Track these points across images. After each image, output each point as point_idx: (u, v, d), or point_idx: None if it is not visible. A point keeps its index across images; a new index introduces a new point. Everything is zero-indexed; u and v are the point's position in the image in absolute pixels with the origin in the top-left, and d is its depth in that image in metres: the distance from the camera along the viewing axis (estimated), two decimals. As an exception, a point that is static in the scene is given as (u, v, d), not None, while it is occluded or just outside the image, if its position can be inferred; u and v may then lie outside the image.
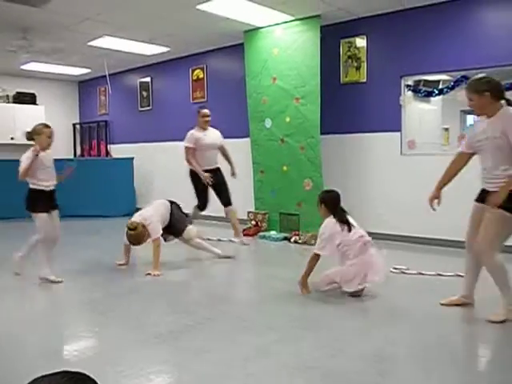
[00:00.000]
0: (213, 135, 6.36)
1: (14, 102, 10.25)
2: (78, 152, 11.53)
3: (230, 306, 3.89)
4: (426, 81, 6.10)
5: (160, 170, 9.40)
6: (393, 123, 6.18)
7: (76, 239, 6.82)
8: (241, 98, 7.24)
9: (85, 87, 11.36)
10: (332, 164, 6.45)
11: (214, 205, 6.41)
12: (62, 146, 11.20)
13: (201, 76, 8.56)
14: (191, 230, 5.24)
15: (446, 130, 7.17)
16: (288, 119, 6.60)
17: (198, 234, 5.40)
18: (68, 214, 8.72)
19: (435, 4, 5.71)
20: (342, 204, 4.14)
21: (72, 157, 11.26)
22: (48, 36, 7.10)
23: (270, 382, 2.54)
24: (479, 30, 5.50)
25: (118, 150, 10.31)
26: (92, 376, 1.08)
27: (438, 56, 5.75)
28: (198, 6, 5.84)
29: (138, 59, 8.92)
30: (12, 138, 10.00)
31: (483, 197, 3.39)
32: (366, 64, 6.37)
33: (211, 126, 6.38)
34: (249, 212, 7.12)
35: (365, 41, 6.36)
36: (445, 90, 5.85)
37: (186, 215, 5.47)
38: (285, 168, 6.69)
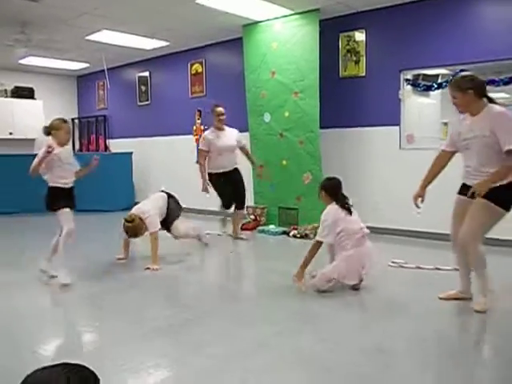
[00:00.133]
0: (228, 136, 6.03)
1: (13, 97, 10.23)
2: (77, 147, 11.51)
3: (229, 300, 3.90)
4: (425, 75, 6.09)
5: (158, 165, 9.40)
6: (392, 117, 6.18)
7: (78, 234, 6.82)
8: (240, 92, 7.23)
9: (83, 82, 11.34)
10: (331, 158, 6.45)
11: (211, 199, 6.40)
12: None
13: (199, 70, 8.54)
14: (179, 225, 5.22)
15: (445, 124, 7.16)
16: (287, 114, 6.59)
17: (187, 230, 5.37)
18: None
19: (434, -2, 5.71)
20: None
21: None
22: (46, 30, 7.08)
23: (269, 375, 2.55)
24: (478, 24, 5.50)
25: (116, 145, 10.30)
26: (91, 368, 1.09)
27: (437, 50, 5.75)
28: (197, 1, 5.83)
29: (137, 53, 8.90)
30: (10, 133, 10.00)
31: (467, 191, 3.41)
32: (365, 58, 6.36)
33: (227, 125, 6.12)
34: (247, 206, 7.12)
35: (364, 35, 6.34)
36: (444, 84, 5.84)
37: (181, 208, 5.45)
38: (284, 162, 6.70)
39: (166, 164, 9.19)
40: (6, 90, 10.24)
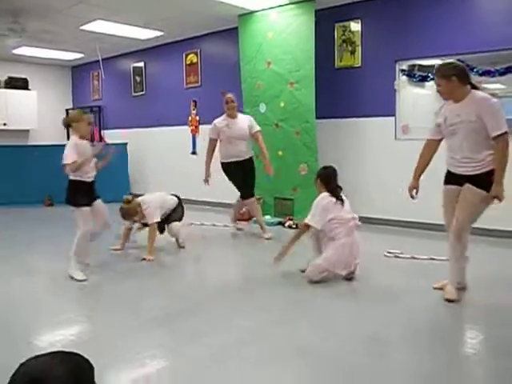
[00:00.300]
0: (240, 124, 5.76)
1: (6, 87, 10.14)
2: (72, 138, 11.45)
3: (225, 290, 3.90)
4: (420, 65, 6.07)
5: (154, 156, 9.37)
6: (387, 108, 6.17)
7: (71, 225, 6.80)
8: (235, 82, 7.20)
9: (78, 72, 11.26)
10: (326, 148, 6.44)
11: (212, 190, 6.40)
12: (55, 132, 11.12)
13: (194, 60, 8.50)
14: (175, 226, 5.21)
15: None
16: (282, 104, 6.57)
17: (179, 233, 5.34)
18: (62, 200, 8.72)
19: (430, -13, 5.69)
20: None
21: (65, 142, 11.21)
22: (40, 19, 7.01)
23: (264, 364, 2.56)
24: (474, 15, 5.48)
25: (111, 136, 10.25)
26: (86, 356, 1.09)
27: (433, 40, 5.73)
28: (192, -10, 5.79)
29: (132, 44, 8.83)
30: (4, 124, 9.93)
31: (457, 180, 3.47)
32: (360, 48, 6.33)
33: (240, 112, 5.94)
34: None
35: (359, 25, 6.32)
36: (439, 74, 5.83)
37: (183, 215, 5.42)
38: (280, 153, 6.68)
39: (161, 155, 9.17)
40: (-1, 81, 10.18)
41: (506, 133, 3.25)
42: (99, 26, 7.48)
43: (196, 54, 8.45)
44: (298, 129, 6.43)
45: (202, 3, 6.33)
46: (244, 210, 6.47)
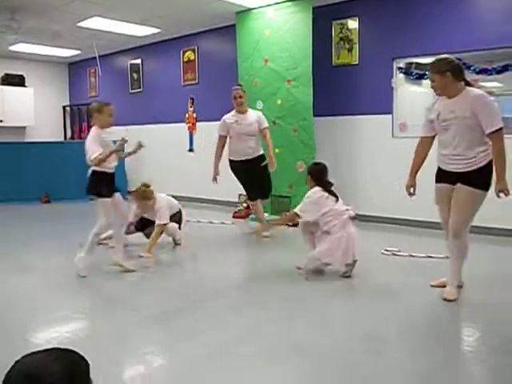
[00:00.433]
0: (249, 120, 5.60)
1: (2, 84, 10.13)
2: (69, 135, 11.43)
3: (222, 288, 3.90)
4: (417, 63, 6.07)
5: (150, 153, 9.33)
6: (384, 106, 6.17)
7: (68, 222, 6.80)
8: (232, 80, 7.18)
9: (75, 69, 11.23)
10: (323, 146, 6.43)
11: (209, 188, 6.38)
12: (52, 129, 11.12)
13: (192, 58, 8.48)
14: (172, 227, 5.20)
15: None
16: (279, 101, 6.56)
17: (175, 233, 5.33)
18: (59, 197, 8.73)
19: (428, -15, 5.68)
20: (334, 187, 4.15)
21: (62, 139, 11.19)
22: (37, 16, 6.98)
23: (262, 362, 2.56)
24: (471, 13, 5.48)
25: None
26: (81, 353, 1.09)
27: (430, 38, 5.73)
28: (189, -13, 5.78)
29: (129, 41, 8.81)
30: (1, 121, 9.91)
31: (448, 178, 3.46)
32: (357, 46, 6.33)
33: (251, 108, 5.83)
34: (240, 194, 7.11)
35: (357, 22, 6.31)
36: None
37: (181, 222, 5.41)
38: (277, 150, 6.64)
39: (158, 152, 9.14)
40: (-5, 77, 10.15)
41: (501, 129, 3.25)
42: (96, 23, 7.46)
43: (193, 51, 8.44)
44: (296, 126, 6.43)
45: (199, 0, 6.31)
46: (244, 206, 6.47)
